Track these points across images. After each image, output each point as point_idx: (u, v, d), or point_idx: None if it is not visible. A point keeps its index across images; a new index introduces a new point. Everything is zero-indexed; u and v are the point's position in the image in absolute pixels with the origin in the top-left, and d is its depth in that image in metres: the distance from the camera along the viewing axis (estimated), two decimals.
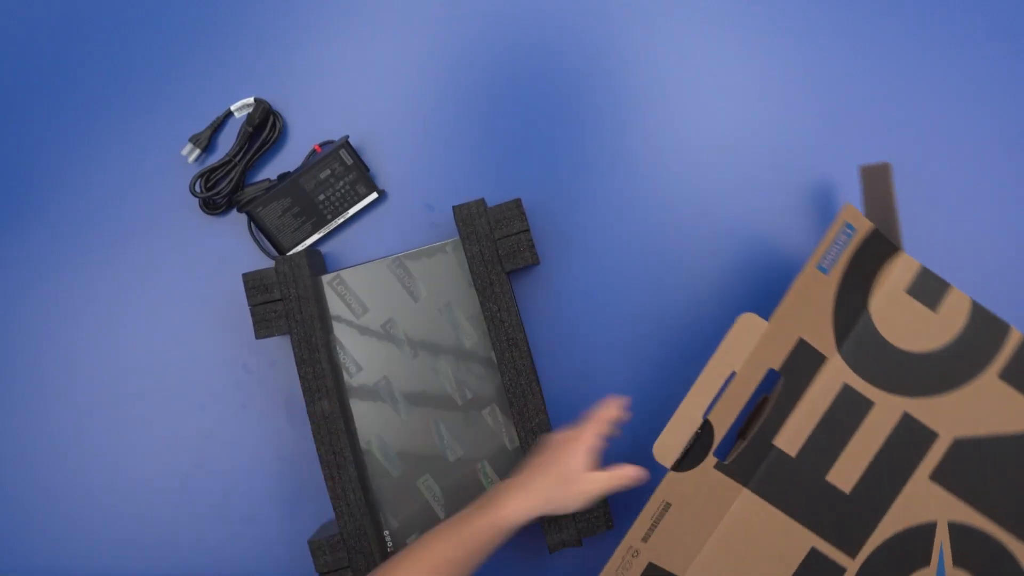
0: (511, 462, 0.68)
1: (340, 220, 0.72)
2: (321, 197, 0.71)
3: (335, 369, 0.67)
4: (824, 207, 0.73)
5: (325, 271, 0.72)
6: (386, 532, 0.67)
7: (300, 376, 0.65)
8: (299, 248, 0.72)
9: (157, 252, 0.74)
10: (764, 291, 0.72)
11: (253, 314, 0.66)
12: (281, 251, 0.72)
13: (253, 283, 0.67)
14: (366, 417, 0.68)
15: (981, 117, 0.73)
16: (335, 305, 0.68)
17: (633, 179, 0.73)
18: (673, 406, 0.71)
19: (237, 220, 0.74)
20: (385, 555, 0.66)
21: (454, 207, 0.67)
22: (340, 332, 0.68)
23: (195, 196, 0.72)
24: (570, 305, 0.72)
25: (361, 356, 0.68)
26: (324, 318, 0.68)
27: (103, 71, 0.74)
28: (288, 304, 0.66)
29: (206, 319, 0.73)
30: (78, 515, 0.72)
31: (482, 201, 0.67)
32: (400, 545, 0.67)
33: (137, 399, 0.73)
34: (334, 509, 0.65)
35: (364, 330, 0.68)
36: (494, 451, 0.68)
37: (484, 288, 0.66)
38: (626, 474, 0.59)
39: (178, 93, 0.74)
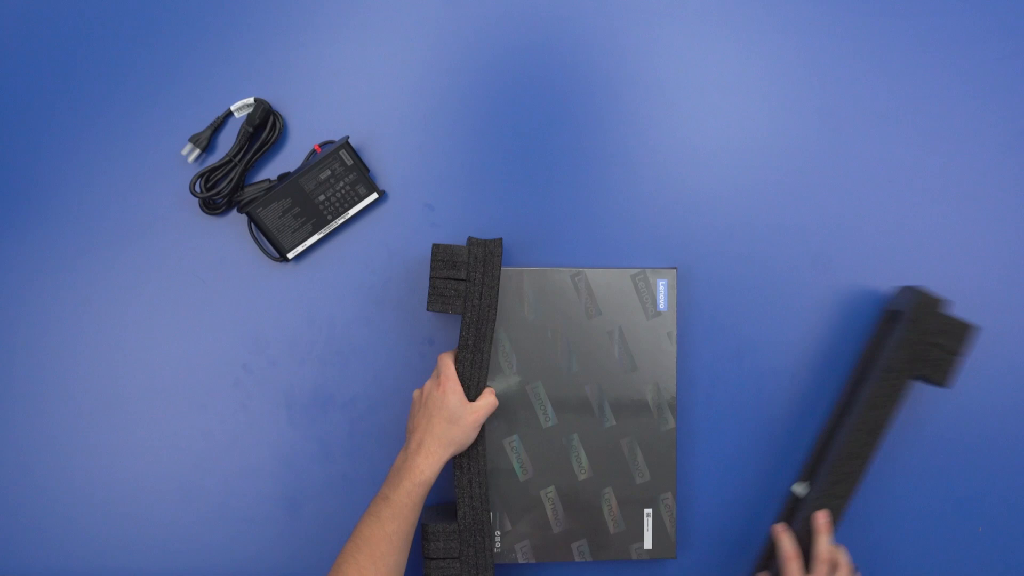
0: (639, 496, 0.68)
1: (340, 220, 0.72)
2: (321, 197, 0.71)
3: (490, 362, 0.67)
4: (825, 207, 0.73)
5: (502, 264, 0.71)
6: (497, 532, 0.67)
7: (457, 359, 0.65)
8: (299, 248, 0.72)
9: (157, 252, 0.73)
10: (776, 289, 0.72)
11: (433, 285, 0.66)
12: (281, 252, 0.72)
13: (442, 256, 0.66)
14: (510, 416, 0.67)
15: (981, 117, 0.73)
16: (509, 300, 0.68)
17: (633, 179, 0.73)
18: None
19: (237, 220, 0.74)
20: (492, 553, 0.66)
21: (906, 288, 0.67)
22: (507, 328, 0.67)
23: (195, 196, 0.72)
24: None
25: (520, 356, 0.67)
26: (496, 310, 0.67)
27: (103, 71, 0.74)
28: (471, 287, 0.65)
29: (206, 319, 0.73)
30: (78, 515, 0.72)
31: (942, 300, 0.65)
32: (508, 548, 0.67)
33: (137, 399, 0.73)
34: (457, 499, 0.65)
35: (530, 333, 0.68)
36: (624, 482, 0.67)
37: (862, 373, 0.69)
38: (494, 392, 0.66)
39: (178, 93, 0.74)
